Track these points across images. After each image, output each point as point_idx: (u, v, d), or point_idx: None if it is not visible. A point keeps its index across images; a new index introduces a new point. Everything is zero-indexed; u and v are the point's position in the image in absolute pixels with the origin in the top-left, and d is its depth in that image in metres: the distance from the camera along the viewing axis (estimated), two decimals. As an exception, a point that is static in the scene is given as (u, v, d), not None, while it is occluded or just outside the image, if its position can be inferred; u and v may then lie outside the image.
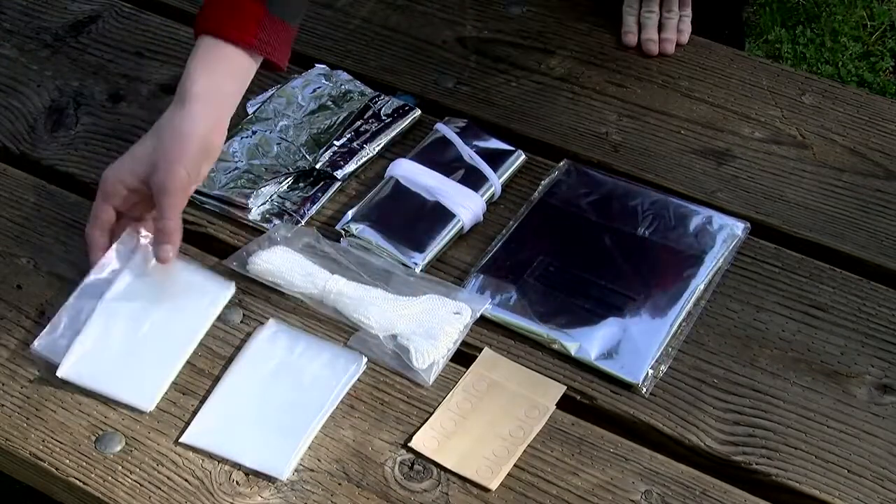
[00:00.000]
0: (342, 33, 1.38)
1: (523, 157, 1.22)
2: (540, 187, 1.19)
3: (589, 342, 1.05)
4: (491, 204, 1.18)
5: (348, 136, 1.22)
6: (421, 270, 1.11)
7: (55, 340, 1.04)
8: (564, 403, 1.03)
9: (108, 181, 1.07)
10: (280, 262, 1.10)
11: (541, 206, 1.17)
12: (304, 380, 1.03)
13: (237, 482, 0.97)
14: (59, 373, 1.02)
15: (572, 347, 1.05)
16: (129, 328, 1.05)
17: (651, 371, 1.03)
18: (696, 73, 1.33)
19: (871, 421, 1.01)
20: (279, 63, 1.10)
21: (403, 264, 1.11)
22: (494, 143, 1.21)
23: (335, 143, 1.21)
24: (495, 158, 1.20)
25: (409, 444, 0.99)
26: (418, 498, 0.96)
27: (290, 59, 1.34)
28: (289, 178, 1.19)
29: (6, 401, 1.02)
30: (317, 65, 1.31)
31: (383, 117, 1.24)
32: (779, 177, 1.21)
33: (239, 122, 1.25)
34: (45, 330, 1.05)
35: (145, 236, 1.08)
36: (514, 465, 0.98)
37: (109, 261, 1.08)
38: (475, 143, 1.21)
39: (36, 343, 1.04)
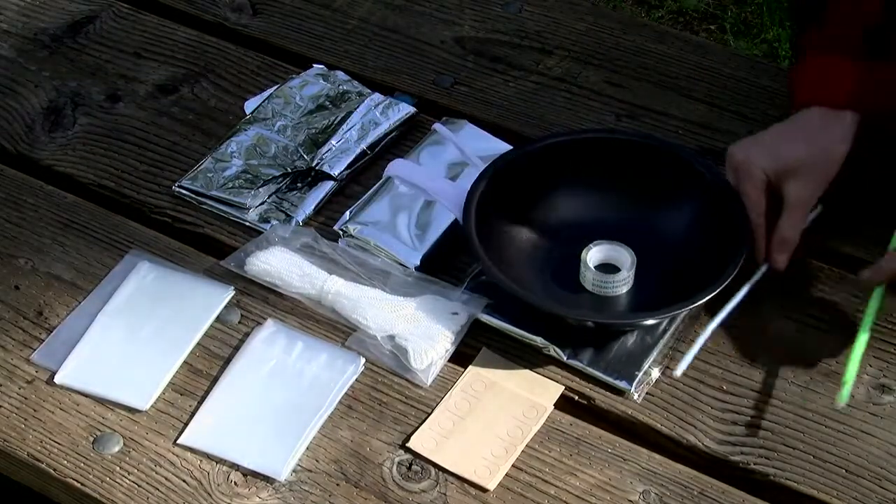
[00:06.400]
0: (340, 33, 1.38)
1: (521, 157, 1.21)
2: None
3: (581, 348, 1.05)
4: (489, 204, 1.17)
5: (346, 136, 1.22)
6: (419, 271, 1.11)
7: (54, 350, 1.05)
8: (562, 403, 1.03)
9: (753, 166, 1.07)
10: (278, 263, 1.10)
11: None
12: (302, 380, 1.03)
13: (235, 483, 0.97)
14: (57, 379, 1.03)
15: (565, 353, 1.04)
16: (127, 335, 1.06)
17: (643, 377, 1.03)
18: (694, 73, 1.33)
19: (869, 420, 1.01)
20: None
21: (401, 264, 1.11)
22: (492, 144, 1.21)
23: (333, 143, 1.21)
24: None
25: (408, 445, 0.99)
26: (416, 498, 0.96)
27: (288, 59, 1.35)
28: (287, 179, 1.19)
29: (4, 401, 1.02)
30: (314, 65, 1.31)
31: (381, 117, 1.24)
32: (777, 176, 1.21)
33: (237, 122, 1.25)
34: (44, 342, 1.05)
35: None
36: (512, 466, 0.98)
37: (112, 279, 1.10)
38: (473, 143, 1.21)
39: (35, 355, 1.05)
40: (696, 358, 1.05)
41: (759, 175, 1.07)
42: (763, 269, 1.07)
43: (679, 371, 1.01)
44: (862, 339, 1.01)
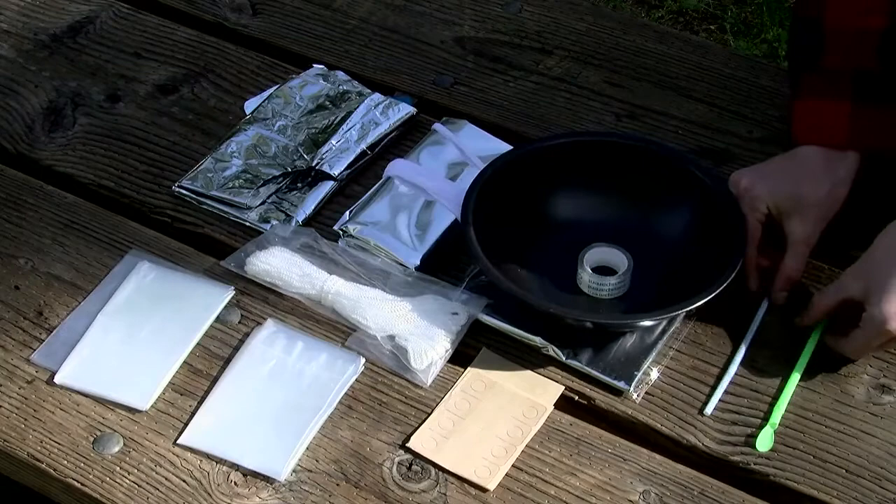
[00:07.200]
0: (340, 33, 1.38)
1: (521, 157, 1.21)
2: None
3: (581, 348, 1.05)
4: (489, 204, 1.17)
5: (346, 136, 1.22)
6: (419, 271, 1.11)
7: (54, 350, 1.05)
8: (562, 404, 1.03)
9: (757, 199, 1.08)
10: (278, 263, 1.10)
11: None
12: (302, 380, 1.03)
13: (235, 483, 0.97)
14: (57, 379, 1.03)
15: (564, 353, 1.04)
16: (126, 335, 1.06)
17: (642, 377, 1.03)
18: (694, 73, 1.33)
19: (869, 421, 1.01)
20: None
21: (401, 264, 1.11)
22: (492, 144, 1.21)
23: (333, 143, 1.21)
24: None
25: (408, 445, 0.99)
26: (416, 498, 0.96)
27: (288, 59, 1.35)
28: (287, 179, 1.19)
29: (4, 402, 1.02)
30: (315, 65, 1.31)
31: (381, 118, 1.24)
32: (777, 176, 1.21)
33: (237, 122, 1.25)
34: (44, 342, 1.05)
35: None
36: (513, 466, 0.98)
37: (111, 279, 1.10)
38: (473, 143, 1.21)
39: (35, 355, 1.05)
40: (695, 358, 1.05)
41: (762, 209, 1.08)
42: (764, 306, 1.08)
43: (710, 410, 1.01)
44: (794, 379, 1.03)
